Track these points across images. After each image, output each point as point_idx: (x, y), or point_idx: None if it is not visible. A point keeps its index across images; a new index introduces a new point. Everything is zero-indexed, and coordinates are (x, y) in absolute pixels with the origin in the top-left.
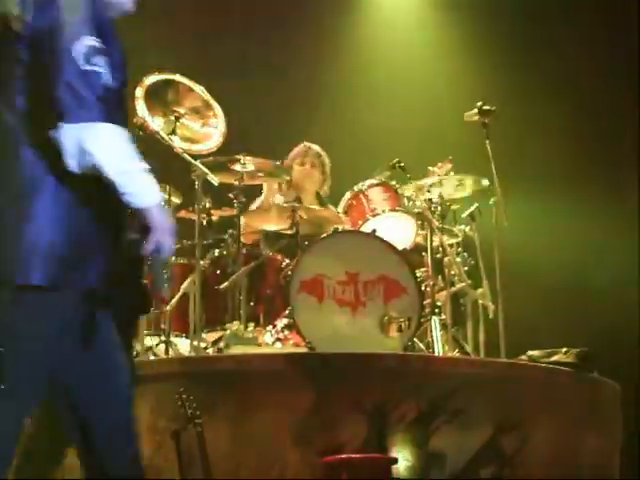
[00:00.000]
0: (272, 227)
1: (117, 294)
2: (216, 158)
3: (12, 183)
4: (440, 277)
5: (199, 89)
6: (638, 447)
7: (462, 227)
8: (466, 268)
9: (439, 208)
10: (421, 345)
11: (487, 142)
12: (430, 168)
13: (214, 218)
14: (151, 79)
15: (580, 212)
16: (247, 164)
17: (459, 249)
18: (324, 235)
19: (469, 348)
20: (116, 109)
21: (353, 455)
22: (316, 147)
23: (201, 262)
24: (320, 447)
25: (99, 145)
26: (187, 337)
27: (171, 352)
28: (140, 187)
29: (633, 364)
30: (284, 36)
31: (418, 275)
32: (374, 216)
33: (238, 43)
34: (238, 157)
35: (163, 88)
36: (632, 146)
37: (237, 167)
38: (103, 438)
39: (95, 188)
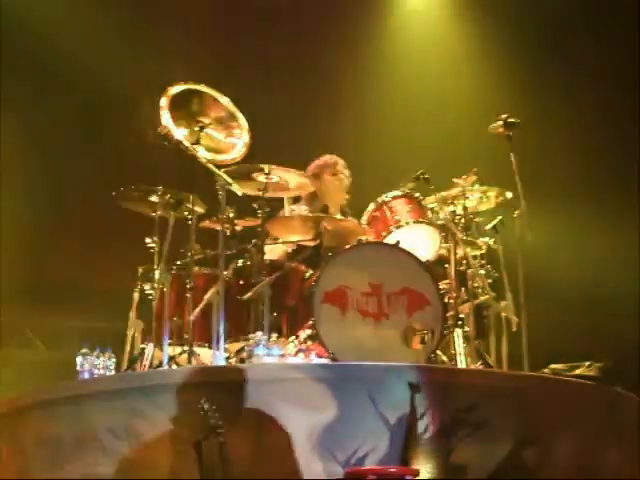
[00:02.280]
0: (295, 237)
1: None
2: (241, 166)
3: None
4: (463, 289)
5: (224, 100)
6: None
7: (486, 239)
8: (490, 280)
9: (463, 220)
10: (444, 357)
11: (512, 155)
12: (454, 180)
13: (238, 228)
14: (176, 89)
15: (602, 226)
16: (272, 174)
17: (482, 261)
18: (348, 246)
19: (492, 361)
20: None
21: (375, 467)
22: (341, 160)
23: (224, 272)
24: (342, 459)
25: None
26: (210, 347)
27: (194, 362)
28: None
29: None
30: (307, 48)
31: (441, 287)
32: (398, 228)
33: (261, 55)
34: (262, 166)
35: (188, 98)
36: None
37: (261, 178)
38: None
39: None
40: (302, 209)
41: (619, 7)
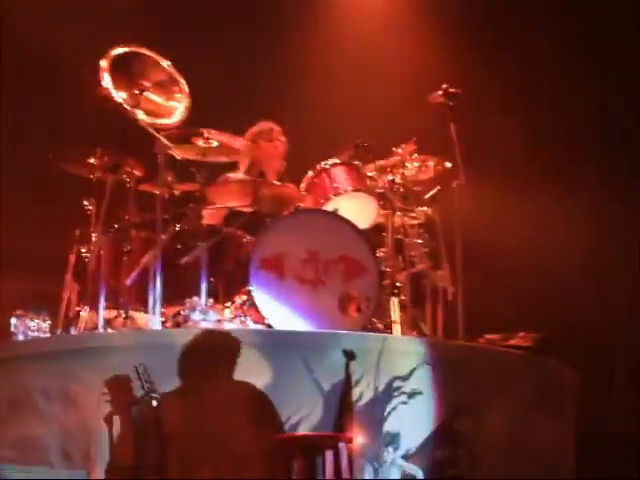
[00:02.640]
0: (233, 203)
1: None
2: (181, 130)
3: None
4: (400, 258)
5: (165, 63)
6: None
7: (424, 209)
8: (427, 250)
9: (401, 189)
10: (380, 325)
11: (452, 125)
12: (394, 149)
13: (176, 192)
14: (117, 51)
15: (540, 196)
16: (211, 139)
17: (420, 230)
18: (286, 213)
19: (427, 330)
20: None
21: (308, 433)
22: (277, 126)
23: (162, 236)
24: (275, 424)
25: None
26: (146, 311)
27: (129, 325)
28: None
29: (591, 350)
30: (250, 14)
31: (378, 255)
32: (336, 195)
33: (201, 21)
34: (202, 130)
35: (129, 61)
36: (591, 130)
37: (200, 142)
38: None
39: None
40: (239, 176)
41: None
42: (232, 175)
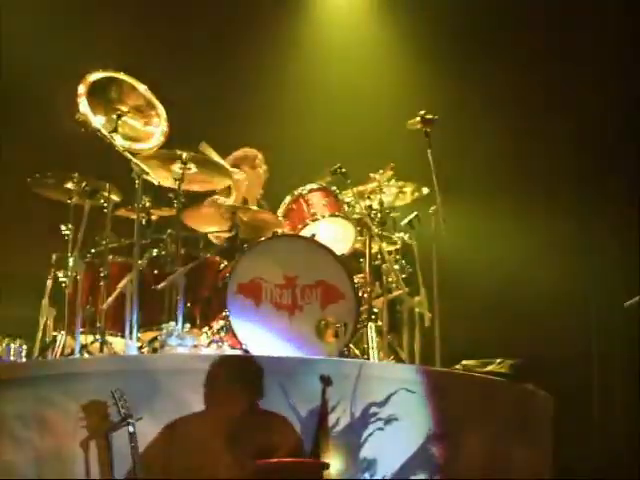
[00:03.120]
0: (211, 228)
1: None
2: (159, 152)
3: None
4: (378, 284)
5: (142, 88)
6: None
7: (401, 235)
8: (404, 276)
9: (379, 215)
10: (357, 351)
11: (429, 151)
12: (371, 175)
13: (153, 218)
14: (94, 76)
15: (519, 222)
16: (189, 164)
17: (397, 256)
18: (263, 238)
19: (404, 355)
20: None
21: (285, 459)
22: (259, 153)
23: (139, 261)
24: (253, 450)
25: None
26: (122, 336)
27: (106, 351)
28: None
29: (570, 373)
30: (226, 40)
31: (356, 281)
32: (314, 221)
33: (181, 43)
34: (180, 152)
35: (106, 86)
36: (569, 157)
37: (177, 167)
38: None
39: None
40: (226, 200)
41: None
42: (219, 198)
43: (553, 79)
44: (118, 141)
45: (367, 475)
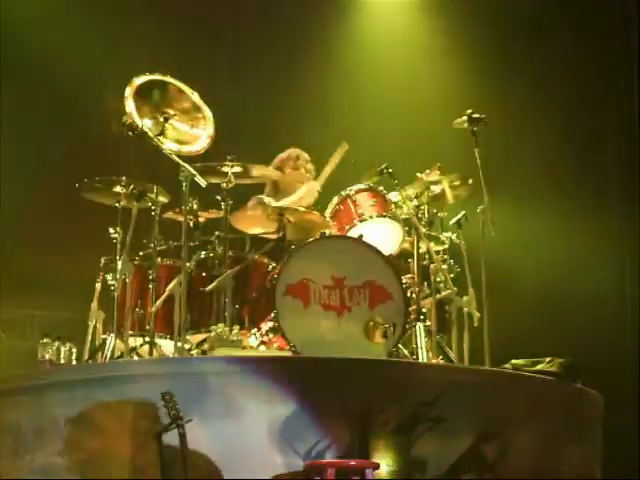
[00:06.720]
0: (258, 230)
1: None
2: (206, 164)
3: None
4: (426, 284)
5: (189, 91)
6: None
7: (449, 234)
8: (452, 275)
9: (426, 214)
10: (405, 351)
11: (476, 150)
12: (418, 174)
13: (201, 220)
14: (141, 79)
15: (567, 222)
16: (235, 167)
17: (445, 256)
18: (311, 239)
19: (453, 355)
20: None
21: (336, 460)
22: (304, 154)
23: (187, 264)
24: (303, 452)
25: None
26: (171, 338)
27: (155, 353)
28: None
29: (616, 374)
30: (273, 41)
31: (404, 281)
32: (361, 221)
33: (228, 47)
34: (228, 161)
35: (153, 89)
36: (617, 159)
37: (225, 169)
38: None
39: None
40: (271, 200)
41: None
42: (265, 198)
43: (600, 79)
44: (165, 144)
45: (417, 475)
